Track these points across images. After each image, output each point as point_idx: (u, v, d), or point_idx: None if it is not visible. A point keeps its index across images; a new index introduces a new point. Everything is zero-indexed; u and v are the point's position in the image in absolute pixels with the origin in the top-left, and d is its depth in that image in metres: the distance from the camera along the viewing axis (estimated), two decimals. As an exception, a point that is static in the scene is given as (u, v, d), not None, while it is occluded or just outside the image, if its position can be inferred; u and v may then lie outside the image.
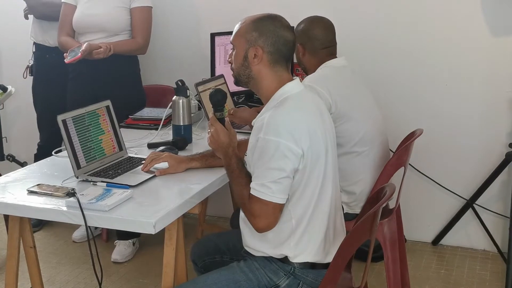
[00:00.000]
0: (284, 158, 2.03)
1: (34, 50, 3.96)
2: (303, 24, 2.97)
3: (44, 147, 4.02)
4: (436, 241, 3.87)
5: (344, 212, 2.83)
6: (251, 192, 2.08)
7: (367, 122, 2.92)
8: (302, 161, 2.06)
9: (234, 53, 2.22)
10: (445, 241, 3.86)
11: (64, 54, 3.35)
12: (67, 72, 3.73)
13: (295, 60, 3.18)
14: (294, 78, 2.23)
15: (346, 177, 2.85)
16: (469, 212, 3.73)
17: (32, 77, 4.03)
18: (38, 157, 4.00)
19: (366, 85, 3.08)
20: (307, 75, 2.98)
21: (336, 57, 2.98)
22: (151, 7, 3.60)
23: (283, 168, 2.03)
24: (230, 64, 2.26)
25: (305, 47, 2.93)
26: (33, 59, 3.99)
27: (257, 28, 2.15)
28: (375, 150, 2.92)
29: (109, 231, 3.88)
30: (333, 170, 2.19)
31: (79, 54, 3.27)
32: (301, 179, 2.08)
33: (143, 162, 2.60)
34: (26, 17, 3.99)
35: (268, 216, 2.08)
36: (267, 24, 2.16)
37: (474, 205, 3.70)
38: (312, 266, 2.15)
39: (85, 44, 3.33)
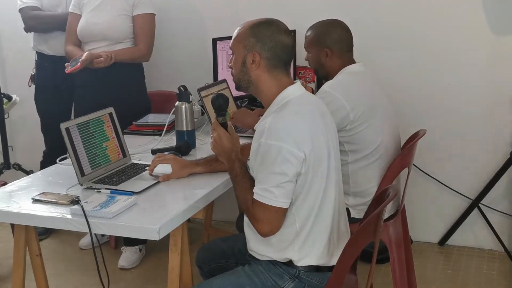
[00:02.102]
0: (287, 162, 2.03)
1: (36, 58, 4.01)
2: (324, 27, 2.91)
3: (49, 153, 4.04)
4: (443, 241, 3.86)
5: (351, 216, 2.83)
6: (254, 196, 2.08)
7: (386, 129, 2.89)
8: (304, 165, 2.06)
9: (233, 58, 2.24)
10: (451, 241, 3.85)
11: (66, 64, 3.37)
12: (67, 80, 3.76)
13: (299, 64, 3.18)
14: (295, 81, 2.23)
15: (360, 183, 2.84)
16: (475, 211, 3.73)
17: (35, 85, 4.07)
18: (44, 163, 4.01)
19: (384, 90, 3.05)
20: (327, 80, 2.94)
21: (354, 61, 2.96)
22: (154, 14, 3.61)
23: (285, 173, 2.04)
24: (231, 69, 2.27)
25: (332, 49, 2.87)
26: (35, 67, 4.03)
27: (254, 34, 2.16)
28: (390, 157, 2.89)
29: (117, 238, 3.88)
30: (336, 173, 2.19)
31: (79, 63, 3.29)
32: (304, 183, 2.08)
33: (147, 168, 2.61)
34: (26, 31, 4.03)
35: (272, 220, 2.08)
36: (264, 30, 2.17)
37: (479, 204, 3.70)
38: (317, 269, 2.16)
39: (85, 54, 3.35)
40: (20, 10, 3.88)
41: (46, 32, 3.87)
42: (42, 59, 3.95)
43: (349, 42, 2.94)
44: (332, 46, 2.89)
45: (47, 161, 3.97)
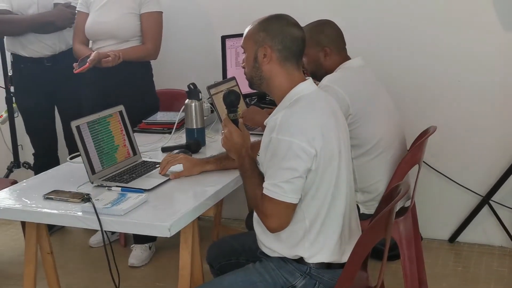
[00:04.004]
0: (297, 158, 2.03)
1: (11, 60, 3.91)
2: (316, 28, 2.88)
3: (39, 154, 4.02)
4: (453, 238, 3.85)
5: (361, 212, 2.83)
6: (263, 192, 2.08)
7: (387, 123, 2.89)
8: (315, 161, 2.06)
9: (245, 56, 2.24)
10: (461, 238, 3.84)
11: (74, 64, 3.38)
12: (45, 79, 3.77)
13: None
14: (307, 78, 2.23)
15: (364, 178, 2.84)
16: (486, 208, 3.71)
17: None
18: (38, 167, 3.98)
19: (383, 84, 3.06)
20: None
21: (350, 57, 2.96)
22: (161, 12, 3.61)
23: (295, 168, 2.03)
24: (243, 69, 2.26)
25: (331, 47, 2.88)
26: (11, 69, 3.95)
27: (263, 28, 2.17)
28: (393, 151, 2.90)
29: (126, 236, 3.89)
30: (347, 170, 2.19)
31: (87, 63, 3.30)
32: (314, 179, 2.08)
33: (157, 166, 2.61)
34: None
35: (281, 216, 2.08)
36: (273, 23, 2.18)
37: (490, 201, 3.68)
38: (328, 266, 2.15)
39: (93, 53, 3.36)
40: None
41: (20, 35, 3.76)
42: (18, 61, 3.86)
43: (343, 39, 2.95)
44: (330, 44, 2.88)
45: (40, 163, 3.96)
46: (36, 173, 3.88)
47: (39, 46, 3.77)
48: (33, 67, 3.80)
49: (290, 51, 2.16)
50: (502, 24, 3.55)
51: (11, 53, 3.90)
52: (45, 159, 3.92)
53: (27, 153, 4.53)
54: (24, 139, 4.51)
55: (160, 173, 2.56)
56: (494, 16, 3.55)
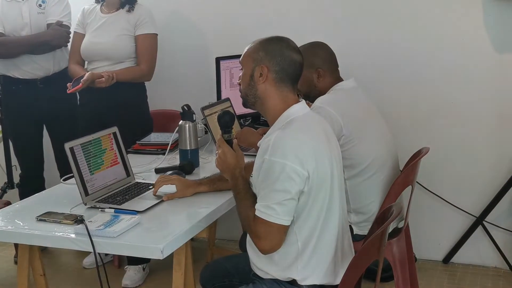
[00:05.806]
0: (290, 180, 2.04)
1: (2, 82, 3.87)
2: (310, 50, 2.90)
3: (25, 176, 4.00)
4: (447, 259, 3.84)
5: (354, 233, 2.83)
6: (256, 213, 2.09)
7: (379, 144, 2.92)
8: (307, 183, 2.06)
9: (242, 73, 2.25)
10: (455, 259, 3.83)
11: (68, 84, 3.39)
12: (37, 101, 3.76)
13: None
14: (300, 100, 2.24)
15: (357, 199, 2.86)
16: (479, 229, 3.71)
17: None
18: (22, 187, 3.97)
19: (375, 105, 3.08)
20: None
21: (342, 79, 2.98)
22: (156, 34, 3.64)
23: (288, 190, 2.04)
24: (239, 86, 2.28)
25: (324, 69, 2.92)
26: (0, 92, 3.91)
27: (263, 48, 2.19)
28: (386, 172, 2.92)
29: (120, 257, 3.87)
30: (339, 192, 2.19)
31: (80, 83, 3.31)
32: (307, 201, 2.09)
33: (150, 187, 2.62)
34: None
35: (273, 238, 2.08)
36: (274, 44, 2.20)
37: (483, 222, 3.68)
38: (321, 288, 2.15)
39: (86, 74, 3.37)
40: None
41: (15, 57, 3.74)
42: (9, 83, 3.82)
43: (336, 61, 2.99)
44: (323, 66, 2.93)
45: (26, 183, 3.95)
46: (21, 194, 3.88)
47: (33, 67, 3.76)
48: (25, 88, 3.77)
49: (287, 73, 2.18)
50: (493, 45, 3.58)
51: (1, 75, 3.85)
52: (31, 180, 3.92)
53: (21, 174, 4.52)
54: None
55: (153, 193, 2.56)
56: (485, 37, 3.58)
